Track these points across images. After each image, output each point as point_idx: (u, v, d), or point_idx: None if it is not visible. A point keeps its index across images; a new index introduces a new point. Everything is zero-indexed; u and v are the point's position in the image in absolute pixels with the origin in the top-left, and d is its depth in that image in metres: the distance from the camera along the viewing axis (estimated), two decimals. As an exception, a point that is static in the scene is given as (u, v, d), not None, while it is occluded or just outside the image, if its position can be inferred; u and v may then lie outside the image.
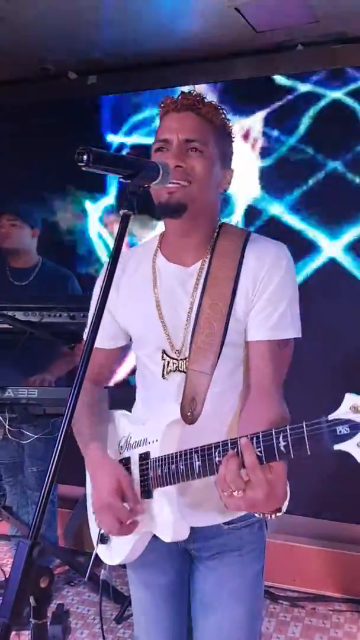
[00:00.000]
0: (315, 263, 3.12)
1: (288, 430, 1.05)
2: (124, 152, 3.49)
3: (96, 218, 3.66)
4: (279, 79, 3.14)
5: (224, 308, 1.34)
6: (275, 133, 3.19)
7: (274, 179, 3.20)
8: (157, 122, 1.42)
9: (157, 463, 1.33)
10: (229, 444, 1.15)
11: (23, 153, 3.70)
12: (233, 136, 1.44)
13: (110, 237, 3.61)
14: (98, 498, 1.37)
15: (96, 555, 1.49)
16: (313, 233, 3.13)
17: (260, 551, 1.48)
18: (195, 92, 1.38)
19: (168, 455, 1.30)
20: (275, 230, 3.12)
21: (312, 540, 3.08)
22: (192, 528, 1.33)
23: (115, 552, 1.45)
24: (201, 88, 3.02)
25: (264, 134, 3.20)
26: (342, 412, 1.00)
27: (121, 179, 1.12)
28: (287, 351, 1.37)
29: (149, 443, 1.37)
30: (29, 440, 2.74)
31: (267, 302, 1.33)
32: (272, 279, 1.33)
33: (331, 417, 1.01)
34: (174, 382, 1.39)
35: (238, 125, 3.14)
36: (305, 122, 3.12)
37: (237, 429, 1.34)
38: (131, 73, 3.47)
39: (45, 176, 3.60)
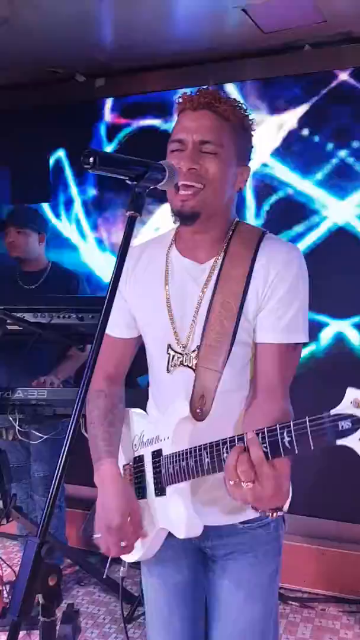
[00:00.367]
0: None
1: (292, 426, 1.05)
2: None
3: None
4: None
5: (236, 307, 1.33)
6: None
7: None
8: (174, 118, 1.40)
9: (168, 460, 1.34)
10: (236, 440, 1.16)
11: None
12: (253, 129, 1.41)
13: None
14: (106, 517, 1.38)
15: None
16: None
17: (276, 551, 1.47)
18: (213, 89, 1.35)
19: (178, 452, 1.31)
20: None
21: (322, 541, 3.07)
22: (206, 526, 1.33)
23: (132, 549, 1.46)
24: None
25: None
26: (344, 406, 1.00)
27: (127, 181, 1.13)
28: (296, 355, 1.37)
29: (161, 440, 1.38)
30: (38, 441, 2.75)
31: (279, 304, 1.33)
32: (283, 282, 1.33)
33: (333, 412, 1.01)
34: (179, 377, 1.39)
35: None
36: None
37: (242, 428, 1.34)
38: (139, 75, 3.49)
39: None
